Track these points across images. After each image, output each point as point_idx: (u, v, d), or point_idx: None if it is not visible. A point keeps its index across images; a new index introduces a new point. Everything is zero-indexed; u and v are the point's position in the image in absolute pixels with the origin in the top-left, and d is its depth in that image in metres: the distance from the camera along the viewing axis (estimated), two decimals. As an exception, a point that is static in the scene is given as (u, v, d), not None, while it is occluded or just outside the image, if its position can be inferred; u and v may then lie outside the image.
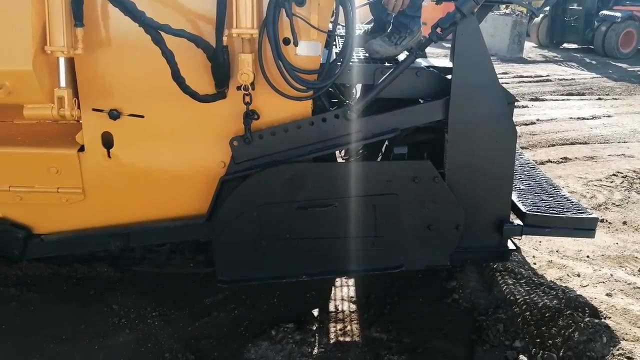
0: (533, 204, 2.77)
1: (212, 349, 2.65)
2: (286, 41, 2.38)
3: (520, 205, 2.74)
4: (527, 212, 2.65)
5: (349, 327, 2.79)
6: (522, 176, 3.26)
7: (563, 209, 2.74)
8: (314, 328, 2.75)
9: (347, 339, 2.70)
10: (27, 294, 2.99)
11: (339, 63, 2.44)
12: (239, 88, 2.42)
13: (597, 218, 2.67)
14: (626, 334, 2.47)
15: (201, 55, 2.36)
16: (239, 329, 2.78)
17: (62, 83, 2.35)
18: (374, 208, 2.62)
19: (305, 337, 2.64)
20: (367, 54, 2.87)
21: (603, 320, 2.59)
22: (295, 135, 2.57)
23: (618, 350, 2.36)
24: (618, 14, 14.19)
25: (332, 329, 2.77)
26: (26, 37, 2.23)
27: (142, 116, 2.57)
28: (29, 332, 2.71)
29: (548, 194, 2.97)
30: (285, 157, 2.59)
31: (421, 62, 2.83)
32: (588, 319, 2.59)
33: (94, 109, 2.54)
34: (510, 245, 2.83)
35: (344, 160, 3.02)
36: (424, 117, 2.63)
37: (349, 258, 2.69)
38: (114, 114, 2.53)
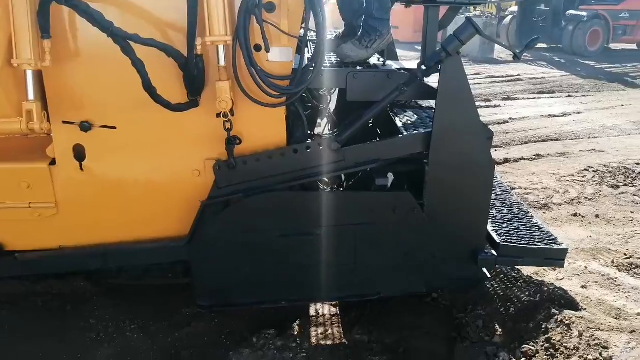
0: (506, 233, 2.86)
1: (194, 359, 2.62)
2: (257, 48, 2.39)
3: (494, 235, 2.81)
4: (501, 243, 2.73)
5: (330, 331, 2.79)
6: (496, 201, 3.34)
7: (535, 239, 2.83)
8: (295, 333, 2.75)
9: (329, 342, 2.71)
10: (0, 313, 2.92)
11: (312, 68, 2.45)
12: (218, 115, 2.44)
13: (567, 249, 2.80)
14: (601, 324, 2.52)
15: (174, 63, 2.35)
16: (220, 337, 2.76)
17: (31, 96, 2.32)
18: (354, 237, 2.67)
19: (287, 343, 2.63)
20: (338, 59, 2.89)
21: (579, 312, 2.64)
22: (279, 162, 2.60)
23: (594, 340, 2.40)
24: (584, 14, 14.55)
25: (314, 333, 2.77)
26: (-9, 50, 2.20)
27: (114, 127, 2.55)
28: (4, 353, 2.65)
29: (521, 223, 3.06)
30: (268, 183, 2.61)
31: (392, 64, 2.86)
32: (565, 311, 2.64)
33: (64, 122, 2.51)
34: (485, 274, 2.89)
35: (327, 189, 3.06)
36: (405, 149, 2.68)
37: (329, 285, 2.74)
38: (85, 126, 2.51)
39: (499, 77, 11.27)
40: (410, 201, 2.65)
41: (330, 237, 2.65)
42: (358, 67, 2.73)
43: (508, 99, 9.19)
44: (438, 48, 2.52)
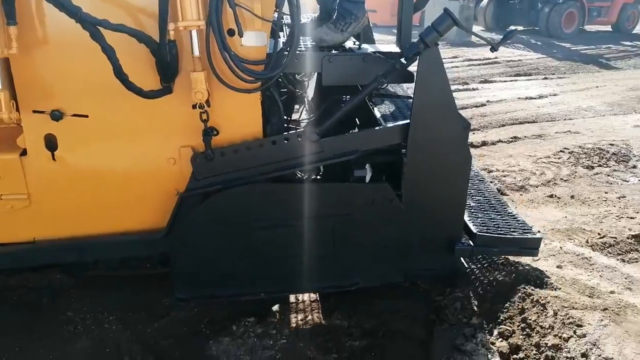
0: (482, 223, 2.90)
1: (173, 348, 2.61)
2: (231, 32, 2.35)
3: (470, 225, 2.85)
4: (477, 233, 2.77)
5: (310, 317, 2.80)
6: (472, 191, 3.38)
7: (510, 228, 2.89)
8: (275, 320, 2.75)
9: (309, 328, 2.72)
10: (-26, 307, 2.87)
11: (286, 52, 2.42)
12: (194, 106, 2.40)
13: (541, 238, 2.86)
14: (575, 302, 2.57)
15: (147, 49, 2.30)
16: (200, 326, 2.75)
17: (-2, 85, 2.25)
18: (333, 228, 2.67)
19: (267, 330, 2.64)
20: (314, 43, 2.87)
21: (554, 291, 2.69)
22: (257, 153, 2.57)
23: (568, 319, 2.45)
24: (560, -5, 14.66)
25: (293, 320, 2.78)
26: (-46, 38, 2.13)
27: (86, 116, 2.50)
28: (-20, 347, 2.61)
29: (496, 212, 3.11)
30: (247, 175, 2.59)
31: (368, 47, 2.84)
32: (540, 291, 2.68)
33: (34, 111, 2.45)
34: (462, 264, 2.93)
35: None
36: (383, 141, 2.68)
37: (307, 276, 2.75)
38: (56, 115, 2.44)
39: (476, 60, 11.33)
40: (389, 192, 2.66)
41: (309, 229, 2.65)
42: (333, 51, 2.70)
43: (485, 81, 9.24)
44: (416, 39, 2.51)
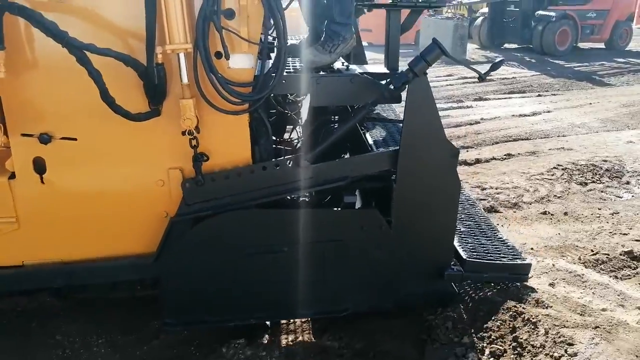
0: (472, 249, 2.92)
1: (162, 372, 2.59)
2: (218, 55, 2.37)
3: (460, 250, 2.87)
4: (467, 259, 2.78)
5: (300, 338, 2.78)
6: (463, 216, 3.41)
7: (500, 254, 2.90)
8: (265, 342, 2.73)
9: (299, 349, 2.69)
10: (-37, 332, 2.85)
11: (273, 74, 2.44)
12: (184, 133, 2.42)
13: (531, 264, 2.88)
14: (567, 321, 2.55)
15: (134, 72, 2.32)
16: (189, 349, 2.74)
17: (-14, 109, 2.27)
18: (322, 254, 2.68)
19: (257, 352, 2.61)
20: (302, 64, 2.89)
21: (546, 309, 2.67)
22: (248, 179, 2.59)
23: (560, 337, 2.43)
24: (553, 14, 14.81)
25: (284, 341, 2.76)
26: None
27: (75, 139, 2.51)
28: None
29: (486, 237, 3.13)
30: (237, 200, 2.61)
31: (356, 68, 2.87)
32: (532, 309, 2.67)
33: (23, 134, 2.46)
34: (453, 289, 2.93)
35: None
36: (373, 167, 2.70)
37: (297, 302, 2.74)
38: (45, 138, 2.46)
39: (470, 78, 11.37)
40: (378, 218, 2.66)
41: (299, 254, 2.65)
42: (321, 72, 2.73)
43: (480, 99, 9.29)
44: (405, 69, 2.54)
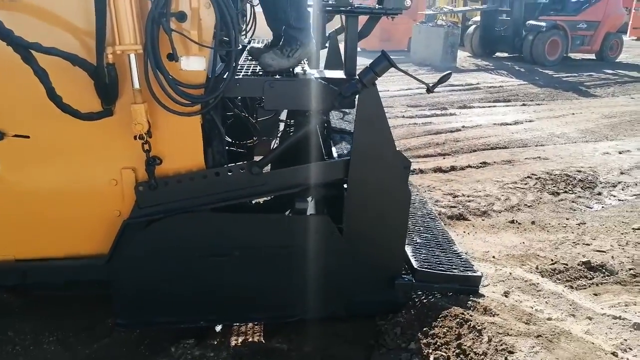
0: (425, 259, 2.94)
1: (109, 370, 2.60)
2: (170, 57, 2.38)
3: (412, 260, 2.90)
4: (418, 269, 2.81)
5: (250, 340, 2.79)
6: (421, 228, 3.45)
7: (452, 265, 2.93)
8: (215, 343, 2.74)
9: (247, 351, 2.70)
10: None
11: (224, 77, 2.46)
12: (135, 137, 2.44)
13: (481, 276, 2.92)
14: (510, 329, 2.57)
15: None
16: (139, 348, 2.74)
17: None
18: (274, 259, 2.69)
19: (205, 352, 2.63)
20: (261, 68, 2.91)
21: (492, 317, 2.69)
22: (201, 184, 2.62)
23: (502, 345, 2.45)
24: (543, 24, 14.92)
25: (233, 343, 2.77)
26: None
27: (27, 136, 2.52)
28: None
29: (441, 249, 3.16)
30: (190, 205, 2.63)
31: (314, 73, 2.89)
32: (479, 317, 2.69)
33: (-26, 132, 2.47)
34: (403, 299, 2.94)
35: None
36: (326, 175, 2.72)
37: (248, 306, 2.76)
38: (-3, 135, 2.46)
39: (458, 85, 11.45)
40: (329, 225, 2.68)
41: (250, 259, 2.67)
42: (277, 76, 2.75)
43: (464, 107, 9.34)
44: (355, 79, 2.57)
